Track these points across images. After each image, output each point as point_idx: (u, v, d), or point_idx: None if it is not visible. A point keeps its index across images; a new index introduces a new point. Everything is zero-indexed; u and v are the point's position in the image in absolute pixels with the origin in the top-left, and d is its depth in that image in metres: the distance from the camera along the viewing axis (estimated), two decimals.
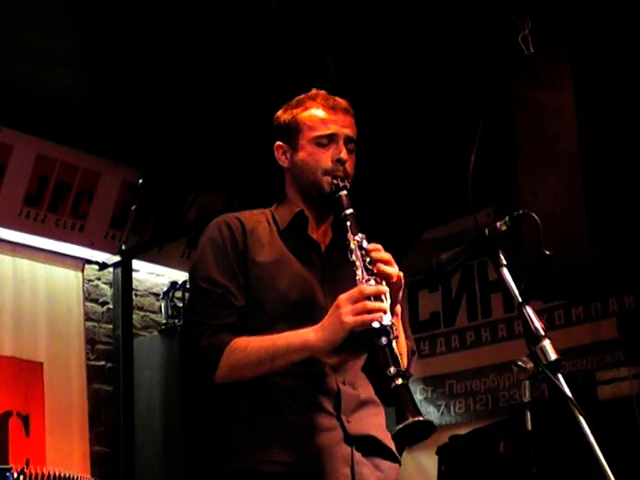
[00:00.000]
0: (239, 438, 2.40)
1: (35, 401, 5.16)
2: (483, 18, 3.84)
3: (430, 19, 4.04)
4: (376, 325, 2.24)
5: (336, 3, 4.06)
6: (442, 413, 5.90)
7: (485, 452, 4.85)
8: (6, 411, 5.03)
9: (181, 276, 5.87)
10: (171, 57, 4.43)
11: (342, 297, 2.28)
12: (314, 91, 2.63)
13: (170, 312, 5.73)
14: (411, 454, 5.71)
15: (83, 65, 4.64)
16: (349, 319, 2.25)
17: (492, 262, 2.32)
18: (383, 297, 2.28)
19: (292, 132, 2.57)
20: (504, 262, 2.30)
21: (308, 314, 2.39)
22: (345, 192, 2.47)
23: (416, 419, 2.13)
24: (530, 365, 2.18)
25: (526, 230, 3.11)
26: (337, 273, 2.48)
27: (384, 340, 2.24)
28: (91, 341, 5.63)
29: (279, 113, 2.64)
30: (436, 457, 5.14)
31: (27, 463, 4.54)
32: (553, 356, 2.15)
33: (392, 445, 2.45)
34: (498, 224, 2.34)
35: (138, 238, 5.72)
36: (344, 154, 2.52)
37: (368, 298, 2.26)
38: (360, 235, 2.40)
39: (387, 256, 2.37)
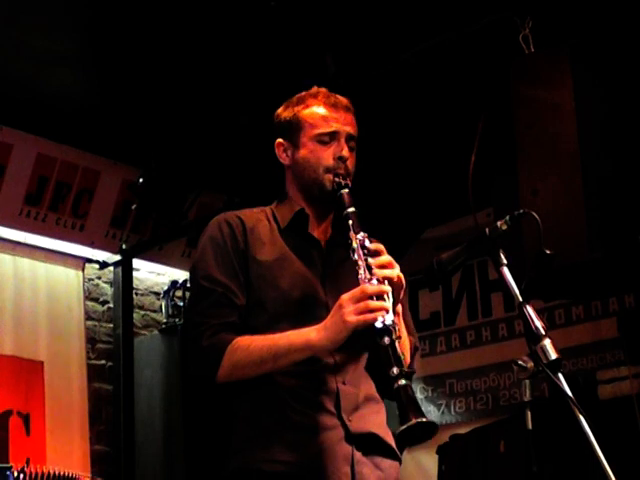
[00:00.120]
0: (241, 437, 2.40)
1: (35, 400, 5.16)
2: (483, 17, 3.84)
3: (430, 18, 4.04)
4: (379, 325, 2.25)
5: (336, 2, 4.06)
6: (442, 412, 5.90)
7: (485, 451, 4.86)
8: (6, 410, 5.03)
9: (181, 275, 5.87)
10: (171, 57, 4.43)
11: (345, 297, 2.28)
12: (315, 88, 2.63)
13: (170, 311, 5.74)
14: (411, 453, 5.71)
15: (83, 65, 4.64)
16: (352, 318, 2.25)
17: (492, 261, 2.32)
18: (385, 296, 2.28)
19: (293, 129, 2.56)
20: (504, 261, 2.30)
21: (310, 312, 2.39)
22: (347, 190, 2.47)
23: (419, 420, 2.13)
24: (530, 364, 2.18)
25: (526, 229, 3.11)
26: (338, 270, 2.48)
27: (387, 340, 2.24)
28: (91, 340, 5.63)
29: (280, 110, 2.63)
30: (436, 456, 5.15)
31: (27, 462, 4.54)
32: (553, 355, 2.15)
33: (393, 443, 2.46)
34: (498, 223, 2.34)
35: (138, 237, 5.72)
36: (346, 152, 2.52)
37: (370, 297, 2.26)
38: (362, 234, 2.40)
39: (386, 259, 2.37)
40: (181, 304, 5.71)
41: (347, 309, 2.26)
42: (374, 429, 2.42)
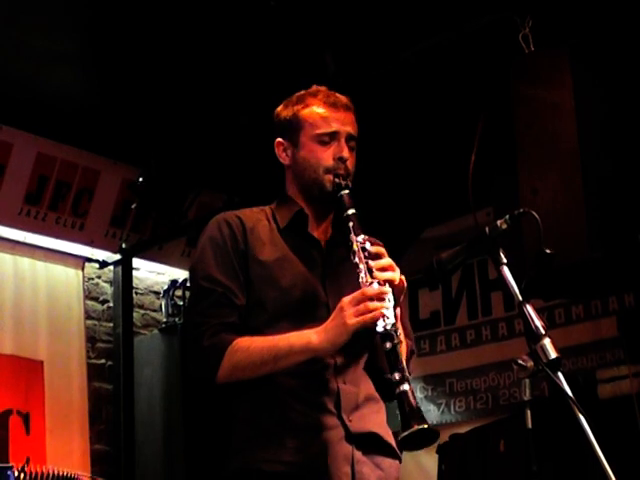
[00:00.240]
0: (241, 437, 2.40)
1: (35, 399, 5.16)
2: (483, 17, 3.84)
3: (430, 17, 4.04)
4: (380, 329, 2.25)
5: (335, 1, 4.06)
6: (442, 412, 5.90)
7: (485, 451, 4.85)
8: (6, 409, 5.03)
9: (181, 274, 5.87)
10: (171, 56, 4.43)
11: (346, 299, 2.28)
12: (315, 87, 2.62)
13: (170, 310, 5.74)
14: (411, 453, 5.67)
15: (83, 64, 4.64)
16: (352, 321, 2.26)
17: (492, 260, 2.32)
18: (386, 299, 2.29)
19: (293, 129, 2.56)
20: (504, 260, 2.30)
21: (310, 312, 2.39)
22: (347, 191, 2.47)
23: (420, 427, 2.14)
24: (530, 363, 2.18)
25: (526, 228, 3.11)
26: (338, 270, 2.48)
27: (388, 345, 2.25)
28: (91, 339, 5.63)
29: (279, 109, 2.62)
30: (436, 456, 5.14)
31: (27, 461, 4.54)
32: (553, 354, 2.15)
33: (393, 442, 2.46)
34: (498, 222, 2.34)
35: (138, 236, 5.72)
36: (346, 152, 2.51)
37: (371, 300, 2.26)
38: (362, 236, 2.40)
39: (387, 262, 2.37)
40: (181, 303, 5.71)
41: (348, 312, 2.26)
42: (374, 428, 2.42)
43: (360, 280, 2.32)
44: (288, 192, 2.61)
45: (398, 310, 2.38)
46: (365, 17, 4.14)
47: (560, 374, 2.15)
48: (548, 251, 2.32)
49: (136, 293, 5.90)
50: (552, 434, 3.98)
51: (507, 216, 2.33)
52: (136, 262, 5.84)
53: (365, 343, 2.46)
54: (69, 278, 5.54)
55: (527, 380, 2.22)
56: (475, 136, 3.57)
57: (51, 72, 4.62)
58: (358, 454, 2.37)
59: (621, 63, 3.53)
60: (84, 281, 5.62)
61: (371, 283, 2.31)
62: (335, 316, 2.29)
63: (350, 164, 2.53)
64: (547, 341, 2.17)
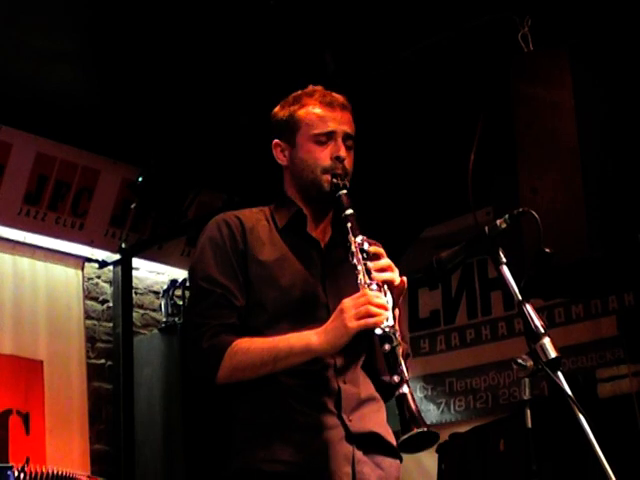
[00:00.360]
0: (241, 437, 2.39)
1: (35, 399, 5.16)
2: (483, 16, 3.84)
3: (430, 17, 4.04)
4: (379, 332, 2.25)
5: (335, 1, 4.06)
6: (442, 411, 5.90)
7: (485, 450, 4.85)
8: (6, 409, 5.03)
9: (181, 274, 5.87)
10: (170, 56, 4.43)
11: (346, 301, 2.28)
12: (311, 87, 2.61)
13: (170, 310, 5.73)
14: None
15: (83, 64, 4.64)
16: (353, 324, 2.25)
17: (492, 260, 2.32)
18: (386, 302, 2.28)
19: (290, 130, 2.55)
20: (504, 260, 2.30)
21: (309, 312, 2.39)
22: (345, 191, 2.46)
23: (420, 430, 2.14)
24: (530, 363, 2.18)
25: (526, 228, 3.11)
26: (337, 270, 2.48)
27: (387, 347, 2.25)
28: (91, 339, 5.63)
29: (276, 110, 2.62)
30: (436, 455, 5.14)
31: (27, 461, 4.54)
32: (553, 354, 2.15)
33: (393, 441, 2.46)
34: (498, 222, 2.34)
35: (138, 236, 5.72)
36: (343, 152, 2.51)
37: (372, 303, 2.26)
38: (361, 237, 2.39)
39: (385, 263, 2.37)
40: (180, 303, 5.71)
41: (348, 314, 2.26)
42: (375, 428, 2.42)
43: (358, 281, 2.32)
44: (286, 193, 2.60)
45: (397, 311, 2.37)
46: (365, 16, 4.14)
47: (560, 373, 2.15)
48: (548, 250, 2.32)
49: (136, 293, 5.90)
50: (552, 433, 3.98)
51: (506, 215, 2.33)
52: (136, 262, 5.84)
53: (364, 344, 2.46)
54: (69, 278, 5.54)
55: (527, 379, 2.22)
56: (475, 135, 3.57)
57: (51, 72, 4.62)
58: (359, 454, 2.36)
59: (621, 62, 3.53)
60: (84, 281, 5.62)
61: (369, 284, 2.31)
62: (335, 318, 2.29)
63: (348, 163, 2.52)
64: (547, 340, 2.17)
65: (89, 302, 5.68)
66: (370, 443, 2.40)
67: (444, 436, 5.13)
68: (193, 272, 2.51)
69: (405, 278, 2.38)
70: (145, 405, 5.51)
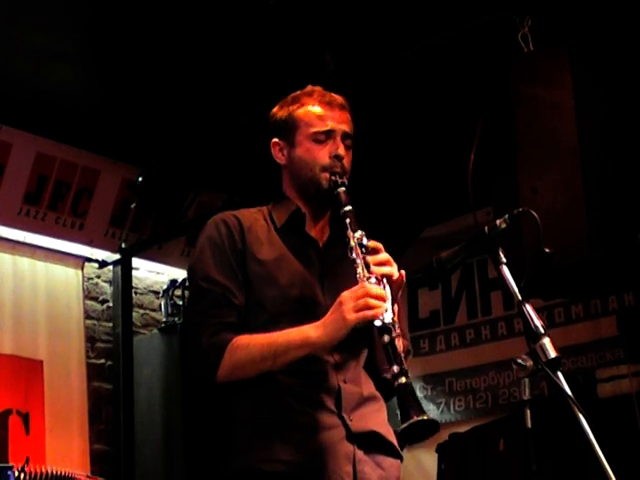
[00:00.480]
0: (241, 437, 2.39)
1: (35, 399, 5.16)
2: (483, 16, 3.84)
3: (430, 17, 4.04)
4: (378, 323, 2.25)
5: (335, 0, 4.06)
6: (442, 411, 5.90)
7: (485, 450, 4.86)
8: (6, 409, 5.03)
9: (181, 274, 5.87)
10: (170, 55, 4.43)
11: (345, 294, 2.29)
12: (310, 87, 2.62)
13: (170, 310, 5.74)
14: (411, 452, 5.71)
15: (83, 64, 4.64)
16: (351, 316, 2.25)
17: (492, 260, 2.32)
18: (385, 294, 2.28)
19: (288, 129, 2.56)
20: (504, 260, 2.30)
21: (308, 311, 2.39)
22: (343, 189, 2.47)
23: (420, 418, 2.14)
24: (530, 363, 2.18)
25: (526, 228, 3.11)
26: (336, 270, 2.48)
27: (387, 338, 2.25)
28: (91, 339, 5.63)
29: (275, 110, 2.63)
30: (436, 455, 5.15)
31: (27, 461, 4.53)
32: (553, 354, 2.15)
33: (394, 441, 2.46)
34: (498, 222, 2.34)
35: (138, 236, 5.72)
36: (341, 150, 2.51)
37: (370, 295, 2.26)
38: (360, 232, 2.40)
39: (384, 257, 2.37)
40: (180, 303, 5.71)
41: (347, 306, 2.26)
42: (375, 427, 2.42)
43: (357, 275, 2.32)
44: (285, 192, 2.61)
45: (396, 307, 2.38)
46: (365, 16, 4.14)
47: (560, 373, 2.15)
48: (547, 250, 2.32)
49: (135, 293, 5.90)
50: (552, 433, 3.98)
51: (506, 215, 2.33)
52: (135, 262, 5.84)
53: (363, 341, 2.47)
54: (69, 278, 5.54)
55: (527, 379, 2.22)
56: (475, 135, 3.57)
57: (51, 71, 4.62)
58: (359, 453, 2.36)
59: (621, 62, 3.53)
60: (84, 281, 5.62)
61: (368, 278, 2.31)
62: (334, 310, 2.30)
63: (346, 162, 2.53)
64: (546, 340, 2.17)
65: (89, 302, 5.68)
66: (371, 442, 2.40)
67: (444, 436, 5.14)
68: (192, 272, 2.51)
69: (404, 272, 2.38)
70: (145, 405, 5.51)
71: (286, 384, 2.37)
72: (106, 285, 5.81)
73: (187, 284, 5.52)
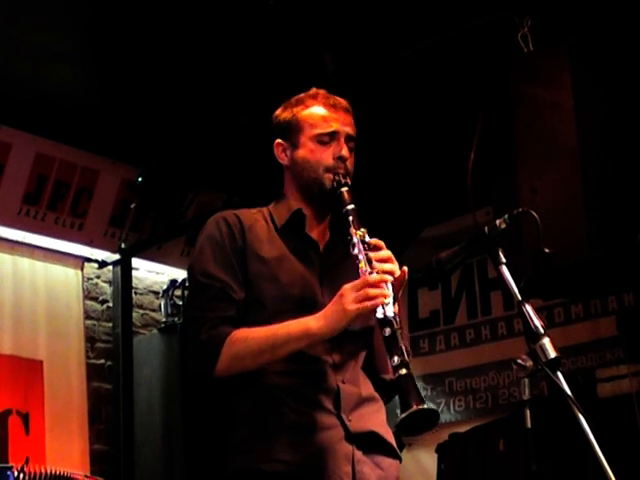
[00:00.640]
0: (240, 437, 2.39)
1: (35, 399, 5.16)
2: (482, 16, 3.84)
3: (429, 17, 4.04)
4: (380, 316, 2.25)
5: (335, 0, 4.06)
6: (442, 411, 5.90)
7: (485, 450, 4.86)
8: (6, 409, 5.03)
9: (180, 274, 5.87)
10: (170, 55, 4.43)
11: (346, 286, 2.29)
12: (314, 90, 2.63)
13: (170, 310, 5.74)
14: (411, 452, 5.71)
15: (82, 64, 4.64)
16: (352, 307, 2.26)
17: (491, 260, 2.32)
18: (386, 286, 2.29)
19: (292, 130, 2.56)
20: (503, 260, 2.30)
21: (308, 311, 2.39)
22: (346, 188, 2.48)
23: (420, 407, 2.13)
24: (530, 363, 2.18)
25: (525, 228, 3.11)
26: (336, 272, 2.48)
27: (388, 331, 2.25)
28: (91, 339, 5.63)
29: (278, 112, 2.63)
30: (436, 455, 5.15)
31: (27, 461, 4.53)
32: (552, 354, 2.15)
33: (393, 441, 2.46)
34: (497, 222, 2.34)
35: (137, 236, 5.72)
36: (345, 151, 2.52)
37: (371, 286, 2.26)
38: (362, 229, 2.41)
39: (386, 254, 2.38)
40: (180, 303, 5.71)
41: (348, 298, 2.27)
42: (374, 428, 2.42)
43: (360, 270, 2.33)
44: (286, 193, 2.61)
45: (396, 307, 2.38)
46: (365, 17, 4.14)
47: (559, 373, 2.15)
48: (547, 250, 2.32)
49: (135, 293, 5.90)
50: (551, 433, 3.98)
51: (506, 215, 2.34)
52: (135, 262, 5.84)
53: (362, 342, 2.47)
54: (68, 278, 5.54)
55: (526, 379, 2.22)
56: (474, 135, 3.57)
57: (51, 71, 4.62)
58: (358, 454, 2.36)
59: (620, 62, 3.53)
60: (83, 281, 5.63)
61: (371, 273, 2.31)
62: (335, 302, 2.30)
63: (349, 164, 2.54)
64: (546, 340, 2.17)
65: (89, 302, 5.68)
66: (370, 443, 2.40)
67: (444, 436, 5.14)
68: (192, 269, 2.51)
69: (406, 268, 2.38)
70: (145, 405, 5.51)
71: (285, 384, 2.37)
72: (106, 285, 5.81)
73: (187, 284, 5.52)
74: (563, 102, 3.50)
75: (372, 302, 2.26)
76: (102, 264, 5.74)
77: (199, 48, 4.37)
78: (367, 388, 2.47)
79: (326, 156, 2.51)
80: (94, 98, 4.88)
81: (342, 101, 2.59)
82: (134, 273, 5.84)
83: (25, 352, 5.21)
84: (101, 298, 5.78)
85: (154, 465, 5.39)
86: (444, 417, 5.87)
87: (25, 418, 5.08)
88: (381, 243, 2.41)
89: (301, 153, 2.55)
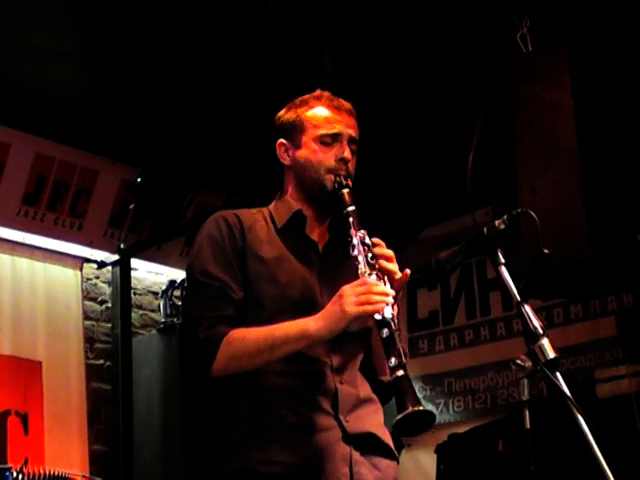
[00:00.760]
0: (238, 438, 2.39)
1: (34, 400, 5.16)
2: (481, 17, 3.84)
3: (428, 18, 4.04)
4: (378, 317, 2.25)
5: (334, 0, 4.06)
6: (441, 411, 5.89)
7: (484, 450, 4.86)
8: (5, 410, 5.03)
9: (180, 275, 5.87)
10: (169, 55, 4.43)
11: (346, 287, 2.29)
12: (318, 91, 2.63)
13: (169, 311, 5.73)
14: (410, 452, 5.71)
15: (82, 64, 4.64)
16: (352, 309, 2.26)
17: (491, 260, 2.32)
18: (387, 291, 2.29)
19: (296, 130, 2.57)
20: (503, 260, 2.30)
21: (306, 312, 2.38)
22: (347, 190, 2.48)
23: (416, 409, 2.14)
24: (529, 363, 2.18)
25: (525, 228, 3.11)
26: (335, 273, 2.48)
27: (386, 332, 2.25)
28: (90, 340, 5.63)
29: (281, 112, 2.63)
30: (435, 455, 5.15)
31: (26, 462, 4.54)
32: (551, 354, 2.15)
33: (391, 443, 2.46)
34: (497, 222, 2.34)
35: (137, 237, 5.72)
36: (347, 153, 2.52)
37: (372, 292, 2.26)
38: (362, 231, 2.41)
39: (389, 253, 2.39)
40: (179, 304, 5.70)
41: (348, 300, 2.26)
42: (372, 429, 2.42)
43: (359, 271, 2.33)
44: (287, 193, 2.61)
45: (395, 308, 2.38)
46: (364, 16, 4.14)
47: (558, 374, 2.15)
48: (546, 251, 2.32)
49: (134, 293, 5.90)
50: (551, 434, 3.98)
51: (505, 216, 2.34)
52: (134, 262, 5.84)
53: (360, 343, 2.47)
54: (67, 278, 5.54)
55: (525, 380, 2.22)
56: (474, 136, 3.57)
57: (50, 72, 4.62)
58: (356, 455, 2.36)
59: (620, 62, 3.53)
60: (82, 281, 5.62)
61: (370, 274, 2.31)
62: (334, 302, 2.30)
63: (351, 166, 2.54)
64: (545, 341, 2.17)
65: (88, 303, 5.68)
66: (367, 444, 2.40)
67: (443, 436, 5.14)
68: (191, 268, 2.51)
69: (408, 271, 2.39)
70: (144, 406, 5.51)
71: (283, 385, 2.37)
72: (105, 286, 5.81)
73: (186, 284, 5.51)
74: (562, 102, 3.50)
75: (373, 307, 2.26)
76: (101, 264, 5.74)
77: (198, 48, 4.37)
78: (365, 389, 2.47)
79: (328, 157, 2.52)
80: (93, 98, 4.88)
81: (346, 103, 2.59)
82: (133, 273, 5.84)
83: (24, 352, 5.21)
84: (100, 298, 5.78)
85: (153, 465, 5.39)
86: (443, 417, 5.86)
87: (24, 419, 5.08)
88: (382, 244, 2.42)
89: (303, 153, 2.55)
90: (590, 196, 3.41)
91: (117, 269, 5.74)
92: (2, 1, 4.06)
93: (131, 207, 5.43)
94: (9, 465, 4.14)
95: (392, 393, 2.27)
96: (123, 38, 4.34)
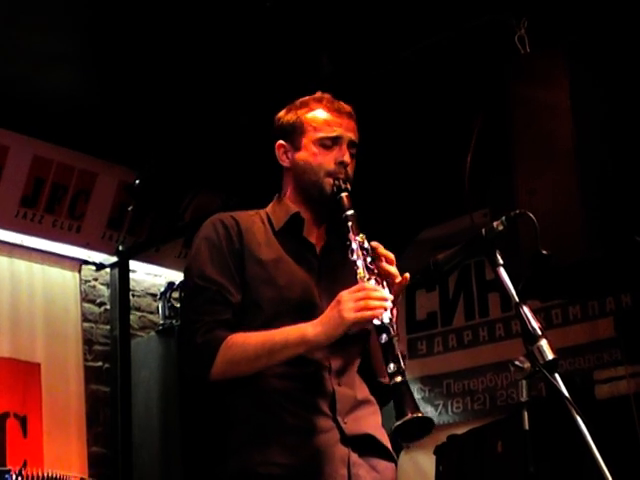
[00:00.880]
0: (236, 439, 2.39)
1: (33, 402, 5.16)
2: (479, 18, 3.84)
3: (427, 19, 4.04)
4: (377, 322, 2.25)
5: (332, 1, 4.06)
6: (440, 413, 5.90)
7: (483, 451, 4.85)
8: (3, 412, 5.03)
9: (178, 276, 5.86)
10: (168, 57, 4.43)
11: (344, 293, 2.28)
12: (319, 94, 2.62)
13: (167, 312, 5.73)
14: (409, 453, 5.71)
15: (81, 65, 4.64)
16: (350, 315, 2.25)
17: (489, 262, 2.32)
18: (386, 297, 2.29)
19: (295, 132, 2.56)
20: (501, 262, 2.30)
21: (305, 314, 2.38)
22: (346, 194, 2.48)
23: (415, 415, 2.14)
24: (527, 365, 2.18)
25: (523, 229, 3.10)
26: (333, 275, 2.48)
27: (384, 337, 2.25)
28: (88, 342, 5.63)
29: (281, 114, 2.63)
30: (434, 457, 5.14)
31: (24, 464, 4.53)
32: (550, 356, 2.15)
33: (389, 444, 2.46)
34: (495, 224, 2.34)
35: (135, 239, 5.72)
36: (347, 157, 2.52)
37: (371, 297, 2.26)
38: (361, 235, 2.41)
39: (391, 255, 2.39)
40: (178, 305, 5.70)
41: (346, 305, 2.26)
42: (370, 430, 2.42)
43: (358, 276, 2.33)
44: (285, 195, 2.61)
45: (395, 311, 2.38)
46: (362, 17, 4.14)
47: (557, 375, 2.15)
48: (544, 252, 2.33)
49: (133, 295, 5.90)
50: (549, 435, 3.97)
51: (503, 217, 2.34)
52: (133, 264, 5.84)
53: (359, 345, 2.47)
54: (66, 281, 5.54)
55: (524, 381, 2.22)
56: (472, 137, 3.57)
57: (49, 73, 4.62)
58: (354, 456, 2.36)
59: (617, 63, 3.53)
60: (81, 283, 5.62)
61: (369, 279, 2.31)
62: (332, 308, 2.29)
63: (350, 169, 2.54)
64: (544, 342, 2.17)
65: (86, 305, 5.68)
66: (365, 446, 2.39)
67: (442, 438, 5.13)
68: (189, 271, 2.51)
69: (408, 275, 2.38)
70: (142, 408, 5.51)
71: (281, 387, 2.37)
72: (103, 288, 5.80)
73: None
74: (560, 103, 3.50)
75: (371, 313, 2.25)
76: (100, 266, 5.74)
77: (197, 49, 4.37)
78: (363, 391, 2.47)
79: (328, 160, 2.51)
80: (91, 100, 4.87)
81: (346, 106, 2.59)
82: (132, 275, 5.84)
83: (23, 355, 5.21)
84: (99, 300, 5.77)
85: (152, 467, 5.38)
86: (442, 419, 5.87)
87: (23, 421, 5.07)
88: (381, 248, 2.41)
89: (303, 156, 2.54)
90: (588, 197, 3.42)
91: (115, 271, 5.74)
92: (2, 1, 4.05)
93: (129, 209, 5.43)
94: (8, 467, 4.14)
95: (390, 395, 2.26)
96: (122, 40, 4.35)
